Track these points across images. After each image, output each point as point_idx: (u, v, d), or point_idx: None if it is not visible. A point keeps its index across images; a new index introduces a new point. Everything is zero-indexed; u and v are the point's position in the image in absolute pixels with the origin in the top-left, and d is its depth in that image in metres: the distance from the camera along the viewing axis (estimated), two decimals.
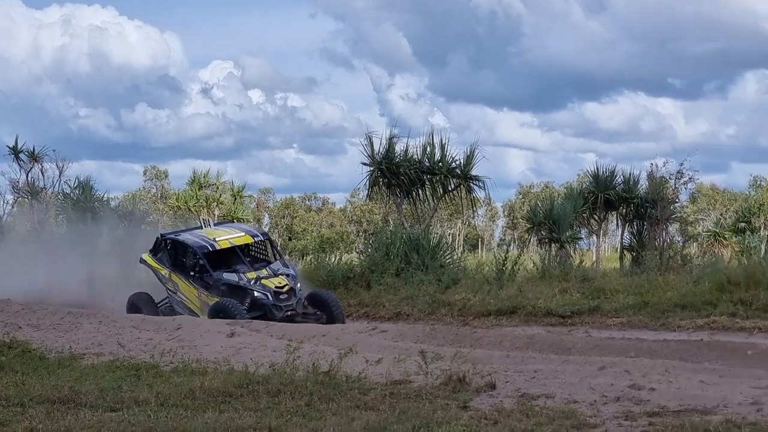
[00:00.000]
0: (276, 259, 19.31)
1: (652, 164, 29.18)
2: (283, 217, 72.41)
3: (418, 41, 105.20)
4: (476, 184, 27.48)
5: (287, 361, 10.39)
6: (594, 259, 31.33)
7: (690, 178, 29.54)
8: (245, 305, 17.71)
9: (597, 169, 30.41)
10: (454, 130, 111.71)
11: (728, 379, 10.38)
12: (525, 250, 34.45)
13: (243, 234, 19.53)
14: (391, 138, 26.95)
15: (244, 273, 18.25)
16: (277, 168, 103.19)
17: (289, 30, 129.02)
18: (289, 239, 66.96)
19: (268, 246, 19.74)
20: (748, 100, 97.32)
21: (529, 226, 30.93)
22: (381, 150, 26.76)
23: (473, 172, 27.24)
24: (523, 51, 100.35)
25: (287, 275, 18.53)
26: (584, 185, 32.02)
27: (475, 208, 31.59)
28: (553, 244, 28.82)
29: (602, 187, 29.75)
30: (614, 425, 8.13)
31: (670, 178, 29.00)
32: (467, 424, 8.05)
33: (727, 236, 43.37)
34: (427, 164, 27.13)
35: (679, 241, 33.39)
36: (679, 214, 31.73)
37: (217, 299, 17.89)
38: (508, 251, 25.36)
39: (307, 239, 63.07)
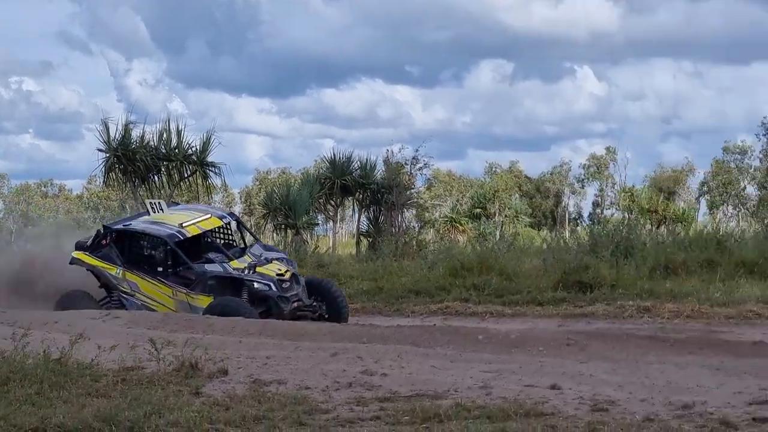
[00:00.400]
0: (245, 243, 17.13)
1: (387, 150, 29.79)
2: (18, 203, 69.63)
3: (156, 26, 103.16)
4: (212, 171, 27.75)
5: (16, 348, 9.77)
6: (330, 244, 31.63)
7: (425, 164, 30.38)
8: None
9: (334, 155, 30.80)
10: (192, 116, 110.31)
11: (459, 363, 10.62)
12: (261, 236, 34.39)
13: (209, 216, 16.91)
14: (127, 124, 27.13)
15: (223, 263, 15.73)
16: (11, 153, 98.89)
17: (23, 12, 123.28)
18: (25, 226, 64.45)
19: (239, 228, 17.51)
20: (483, 89, 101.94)
21: (265, 211, 30.86)
22: (117, 136, 26.83)
23: (210, 159, 27.58)
24: (262, 37, 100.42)
25: (281, 259, 16.34)
26: (321, 171, 32.30)
27: (211, 195, 31.43)
28: (288, 230, 28.88)
29: (339, 173, 30.10)
30: (346, 410, 8.10)
31: (405, 164, 29.72)
32: (199, 410, 7.88)
33: (463, 222, 45.06)
34: (164, 151, 27.31)
35: (415, 227, 34.27)
36: (415, 200, 32.58)
37: (204, 297, 15.37)
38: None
39: (43, 226, 60.95)
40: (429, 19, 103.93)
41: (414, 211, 35.42)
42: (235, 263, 15.66)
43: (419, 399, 8.54)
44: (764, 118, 44.13)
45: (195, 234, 16.19)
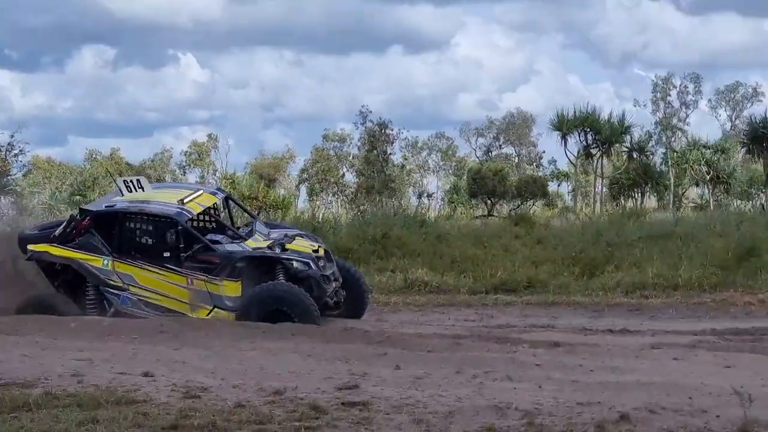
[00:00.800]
0: (232, 222, 15.25)
1: None
2: None
3: None
4: None
5: None
6: None
7: (21, 150, 29.24)
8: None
9: None
10: None
11: (51, 351, 10.50)
12: None
13: (201, 192, 14.85)
14: None
15: (239, 243, 13.79)
16: None
17: None
18: None
19: (227, 205, 15.65)
20: (86, 75, 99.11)
21: None
22: None
23: None
24: None
25: (303, 235, 14.72)
26: None
27: None
28: None
29: None
30: None
31: (0, 150, 28.53)
32: None
33: (63, 208, 43.86)
34: None
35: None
36: (12, 187, 31.31)
37: (231, 283, 13.38)
38: None
39: None
40: (29, 3, 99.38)
41: (12, 198, 34.02)
42: (252, 243, 13.87)
43: (8, 388, 8.41)
44: (362, 107, 46.59)
45: (198, 212, 14.45)
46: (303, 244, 14.17)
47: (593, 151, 40.50)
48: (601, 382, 8.94)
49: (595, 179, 44.43)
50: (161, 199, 14.13)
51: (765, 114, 33.04)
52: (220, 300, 13.41)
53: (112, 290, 13.61)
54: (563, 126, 39.29)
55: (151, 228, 13.74)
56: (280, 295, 13.01)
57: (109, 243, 13.71)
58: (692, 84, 63.62)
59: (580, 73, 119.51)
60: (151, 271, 13.58)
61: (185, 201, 14.02)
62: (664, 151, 52.43)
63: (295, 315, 12.82)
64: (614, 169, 44.03)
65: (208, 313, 13.36)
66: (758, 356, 10.63)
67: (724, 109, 68.67)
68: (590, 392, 8.47)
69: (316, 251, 14.06)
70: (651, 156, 47.93)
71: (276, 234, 14.43)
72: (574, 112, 39.36)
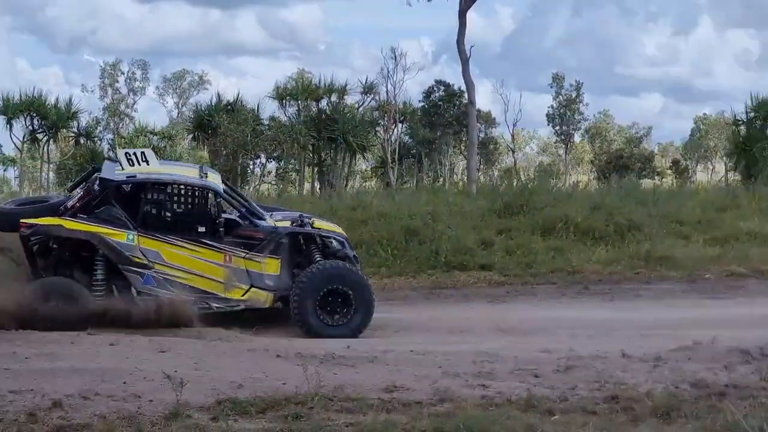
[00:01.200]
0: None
1: None
2: None
3: None
4: None
5: None
6: None
7: None
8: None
9: None
10: None
11: None
12: None
13: (208, 171, 13.58)
14: None
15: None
16: None
17: None
18: None
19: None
20: None
21: None
22: None
23: None
24: None
25: (308, 217, 13.63)
26: None
27: None
28: None
29: None
30: None
31: None
32: None
33: None
34: None
35: None
36: None
37: (272, 260, 12.56)
38: None
39: None
40: None
41: None
42: (275, 222, 13.17)
43: None
44: None
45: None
46: (327, 224, 13.75)
47: (40, 136, 39.67)
48: (36, 370, 8.91)
49: (42, 164, 43.52)
50: (180, 172, 13.29)
51: (210, 102, 34.45)
52: (260, 279, 12.63)
53: (134, 268, 12.30)
54: (8, 110, 38.10)
55: (185, 200, 12.79)
56: (341, 274, 12.54)
57: (133, 216, 12.41)
58: (140, 71, 64.52)
59: (28, 56, 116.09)
60: (182, 247, 12.43)
61: (206, 175, 13.19)
62: (111, 136, 52.71)
63: (355, 295, 12.44)
64: (62, 155, 43.46)
65: (244, 294, 12.57)
66: (192, 340, 11.09)
67: (171, 96, 70.42)
68: (23, 380, 8.42)
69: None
70: (99, 141, 47.95)
71: (282, 215, 13.80)
72: (20, 95, 38.33)
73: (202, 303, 12.33)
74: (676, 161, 51.55)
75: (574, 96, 51.12)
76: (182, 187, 12.81)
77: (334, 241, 13.16)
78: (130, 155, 12.94)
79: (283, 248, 12.77)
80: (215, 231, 12.57)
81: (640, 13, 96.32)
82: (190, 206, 12.79)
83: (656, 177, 42.99)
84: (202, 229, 12.56)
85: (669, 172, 47.51)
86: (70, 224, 12.23)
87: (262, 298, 12.63)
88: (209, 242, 12.52)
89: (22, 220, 12.18)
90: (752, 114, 29.36)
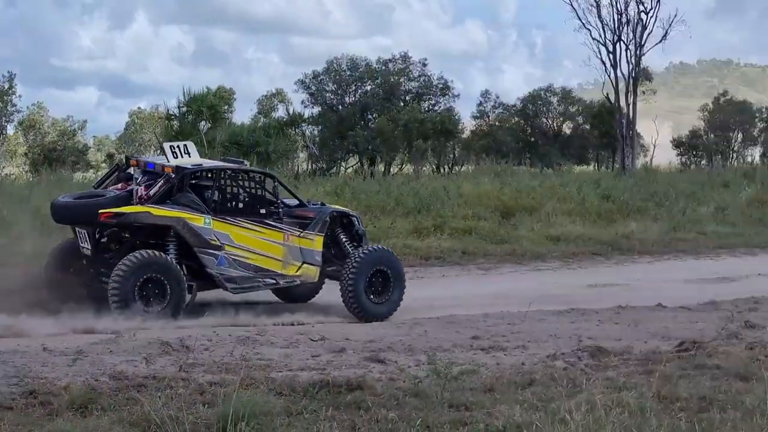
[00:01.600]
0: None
1: None
2: None
3: None
4: None
5: None
6: None
7: None
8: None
9: None
10: None
11: None
12: None
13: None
14: None
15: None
16: None
17: None
18: None
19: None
20: None
21: None
22: None
23: None
24: None
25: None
26: None
27: None
28: None
29: None
30: None
31: None
32: None
33: None
34: None
35: None
36: None
37: (318, 238, 13.57)
38: None
39: None
40: None
41: None
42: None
43: None
44: None
45: None
46: (336, 206, 14.91)
47: None
48: None
49: None
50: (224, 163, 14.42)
51: None
52: (311, 255, 13.62)
53: (209, 250, 13.06)
54: None
55: (247, 185, 13.86)
56: (384, 255, 13.73)
57: (206, 202, 13.20)
58: None
59: None
60: (248, 228, 13.35)
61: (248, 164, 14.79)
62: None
63: (393, 275, 13.59)
64: None
65: (297, 270, 13.55)
66: None
67: None
68: None
69: None
70: None
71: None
72: None
73: (265, 280, 13.35)
74: (110, 154, 51.80)
75: (6, 87, 49.30)
76: (244, 173, 13.99)
77: (354, 219, 14.32)
78: (174, 148, 13.63)
79: (326, 226, 13.81)
80: (275, 213, 13.55)
81: (76, 5, 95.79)
82: (252, 190, 13.82)
83: (90, 170, 42.89)
84: (263, 211, 13.52)
85: (104, 165, 47.65)
86: (157, 211, 12.84)
87: (312, 274, 13.68)
88: (271, 223, 13.50)
89: (103, 210, 12.61)
90: (184, 108, 30.34)
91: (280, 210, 13.58)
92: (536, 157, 46.63)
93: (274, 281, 13.43)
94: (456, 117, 43.36)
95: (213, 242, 13.02)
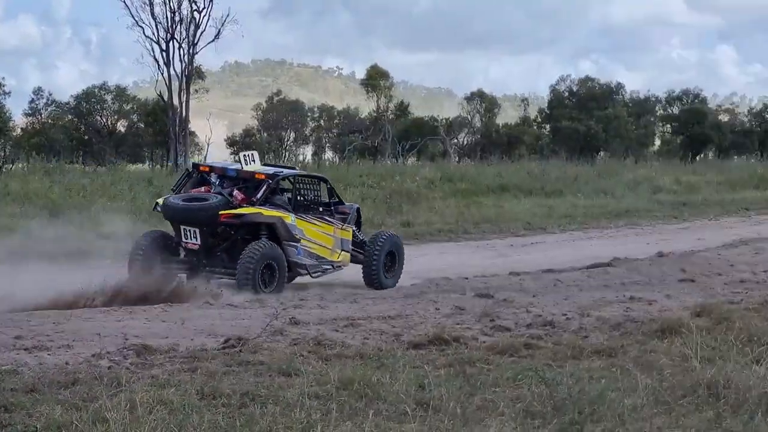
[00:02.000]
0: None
1: None
2: None
3: None
4: None
5: None
6: None
7: None
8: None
9: None
10: None
11: None
12: None
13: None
14: None
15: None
16: None
17: None
18: None
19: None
20: None
21: None
22: None
23: None
24: None
25: None
26: None
27: None
28: None
29: None
30: None
31: None
32: None
33: None
34: None
35: None
36: None
37: (351, 229, 17.00)
38: None
39: None
40: None
41: None
42: None
43: None
44: None
45: None
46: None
47: None
48: None
49: None
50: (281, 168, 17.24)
51: None
52: (347, 244, 16.75)
53: (293, 243, 15.68)
54: None
55: (311, 187, 16.81)
56: (395, 240, 17.37)
57: (289, 201, 16.10)
58: None
59: None
60: (314, 224, 16.16)
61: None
62: None
63: (398, 252, 17.22)
64: None
65: (338, 256, 16.55)
66: None
67: None
68: None
69: None
70: None
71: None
72: None
73: (323, 266, 16.24)
74: None
75: None
76: (308, 178, 17.07)
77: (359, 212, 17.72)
78: (245, 156, 16.17)
79: (354, 219, 17.10)
80: (328, 210, 16.57)
81: None
82: (314, 192, 16.74)
83: None
84: (321, 208, 16.48)
85: None
86: (266, 212, 15.51)
87: (347, 259, 16.70)
88: (328, 219, 16.41)
89: (223, 212, 15.11)
90: None
91: (332, 207, 16.67)
92: (90, 155, 45.80)
93: (330, 267, 16.37)
94: (7, 114, 41.67)
95: (296, 236, 15.74)
